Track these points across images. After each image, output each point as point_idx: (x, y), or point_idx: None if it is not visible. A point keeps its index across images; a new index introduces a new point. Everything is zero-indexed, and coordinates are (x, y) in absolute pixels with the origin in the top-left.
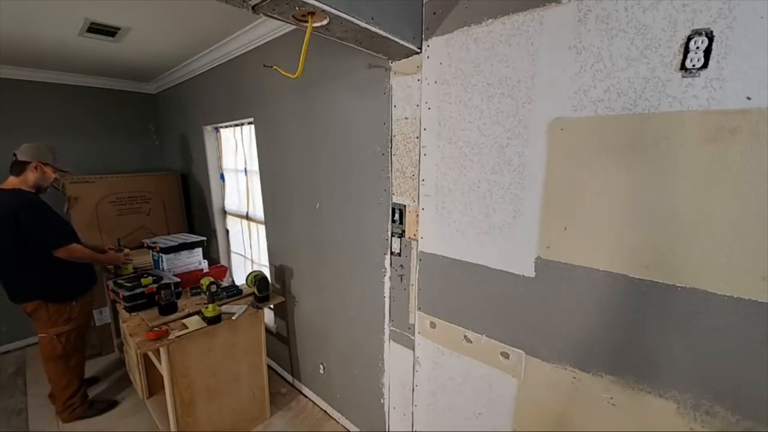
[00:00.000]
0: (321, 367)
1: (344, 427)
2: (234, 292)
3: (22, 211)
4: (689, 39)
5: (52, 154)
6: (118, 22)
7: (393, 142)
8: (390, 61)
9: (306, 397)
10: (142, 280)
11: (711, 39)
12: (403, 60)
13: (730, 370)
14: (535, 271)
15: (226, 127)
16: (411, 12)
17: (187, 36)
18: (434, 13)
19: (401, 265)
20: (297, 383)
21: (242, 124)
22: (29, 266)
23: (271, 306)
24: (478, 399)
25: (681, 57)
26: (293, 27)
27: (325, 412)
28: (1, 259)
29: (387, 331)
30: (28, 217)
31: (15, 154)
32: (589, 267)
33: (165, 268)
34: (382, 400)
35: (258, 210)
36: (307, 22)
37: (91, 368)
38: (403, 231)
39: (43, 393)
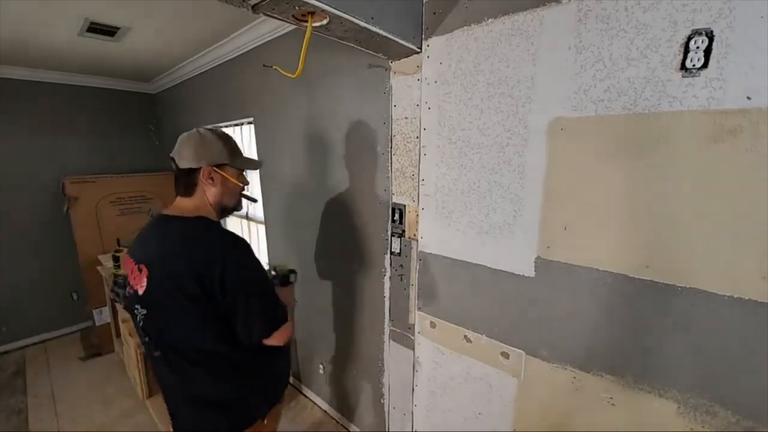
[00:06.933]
0: (321, 367)
1: (344, 427)
2: None
3: (226, 262)
4: (689, 39)
5: (227, 147)
6: (118, 22)
7: (393, 142)
8: (390, 61)
9: (306, 397)
10: None
11: (711, 39)
12: (403, 60)
13: (731, 370)
14: (535, 271)
15: (226, 127)
16: (411, 12)
17: (187, 36)
18: (434, 13)
19: (401, 265)
20: (297, 383)
21: (242, 124)
22: (228, 365)
23: None
24: (478, 399)
25: (681, 57)
26: (293, 27)
27: (325, 412)
28: (176, 354)
29: (387, 331)
30: (236, 274)
31: (172, 158)
32: (589, 267)
33: None
34: (382, 400)
35: (258, 210)
36: (307, 21)
37: (90, 368)
38: (403, 231)
39: (43, 393)
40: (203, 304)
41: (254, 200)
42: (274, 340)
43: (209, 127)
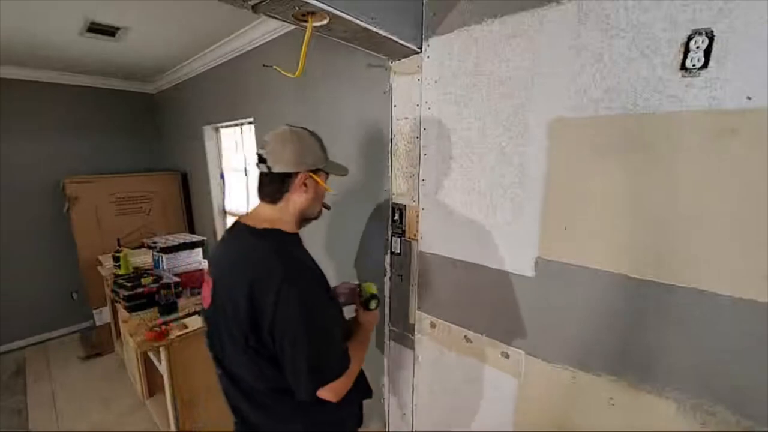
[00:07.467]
0: None
1: None
2: None
3: (281, 296)
4: (689, 39)
5: (323, 150)
6: (118, 22)
7: (393, 142)
8: (390, 61)
9: None
10: (142, 280)
11: (711, 39)
12: (403, 60)
13: (730, 370)
14: (535, 270)
15: (226, 127)
16: (411, 12)
17: (187, 36)
18: (434, 14)
19: (401, 265)
20: None
21: (242, 124)
22: (279, 408)
23: None
24: (478, 399)
25: (681, 57)
26: (293, 27)
27: None
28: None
29: (387, 331)
30: (287, 314)
31: (263, 159)
32: (589, 267)
33: (165, 268)
34: (382, 400)
35: None
36: (307, 22)
37: (91, 369)
38: (403, 231)
39: (43, 393)
40: (253, 340)
41: (329, 208)
42: (324, 394)
43: (301, 125)
